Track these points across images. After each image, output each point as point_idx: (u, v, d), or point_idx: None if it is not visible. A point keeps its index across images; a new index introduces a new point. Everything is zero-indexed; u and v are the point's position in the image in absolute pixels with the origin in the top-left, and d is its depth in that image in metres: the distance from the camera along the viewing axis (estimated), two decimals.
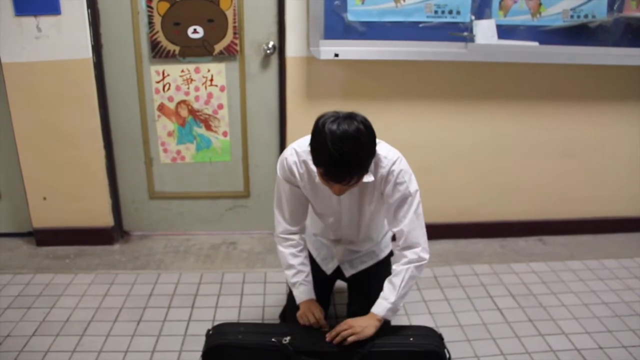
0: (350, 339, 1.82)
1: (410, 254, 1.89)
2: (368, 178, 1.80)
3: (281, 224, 2.06)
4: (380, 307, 1.88)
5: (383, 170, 1.86)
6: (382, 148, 1.87)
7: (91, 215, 3.14)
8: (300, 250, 2.06)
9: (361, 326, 1.85)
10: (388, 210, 1.93)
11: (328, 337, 1.85)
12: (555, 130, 3.18)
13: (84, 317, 2.51)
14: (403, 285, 1.87)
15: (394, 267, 1.92)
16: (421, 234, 1.90)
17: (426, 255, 1.90)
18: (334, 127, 1.63)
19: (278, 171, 1.98)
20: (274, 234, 2.11)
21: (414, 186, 1.89)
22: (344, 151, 1.61)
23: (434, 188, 3.19)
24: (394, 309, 1.89)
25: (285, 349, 1.81)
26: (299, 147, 1.92)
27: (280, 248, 2.08)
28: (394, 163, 1.85)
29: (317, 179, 1.80)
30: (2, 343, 2.32)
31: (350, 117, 1.67)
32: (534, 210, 3.37)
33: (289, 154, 1.93)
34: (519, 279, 2.88)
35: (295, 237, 2.06)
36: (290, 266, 2.05)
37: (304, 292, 2.03)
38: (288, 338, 1.83)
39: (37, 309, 2.57)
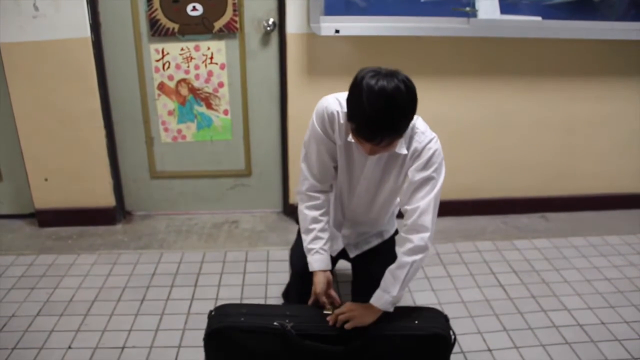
0: (348, 325, 1.78)
1: (417, 239, 1.75)
2: (401, 149, 1.73)
3: (308, 180, 1.92)
4: (381, 300, 1.78)
5: (418, 145, 1.76)
6: (421, 123, 1.79)
7: (93, 195, 3.14)
8: (323, 214, 1.94)
9: (360, 314, 1.79)
10: (407, 188, 1.80)
11: (330, 320, 1.82)
12: (558, 106, 3.16)
13: (87, 296, 2.52)
14: (407, 279, 1.77)
15: (399, 254, 1.79)
16: (433, 221, 1.77)
17: (430, 244, 1.78)
18: (372, 82, 1.53)
19: (315, 120, 1.82)
20: (297, 190, 1.97)
21: (442, 173, 1.79)
22: (378, 108, 1.53)
23: None
24: (394, 302, 1.79)
25: (289, 333, 1.81)
26: (342, 98, 1.75)
27: (302, 208, 1.95)
28: (430, 141, 1.77)
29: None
30: (7, 323, 2.33)
31: (392, 74, 1.56)
32: (536, 186, 3.36)
33: (332, 102, 1.79)
34: (522, 256, 2.89)
35: (322, 196, 1.94)
36: (308, 230, 1.94)
37: (318, 261, 1.92)
38: (291, 324, 1.81)
39: (41, 289, 2.58)
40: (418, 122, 1.77)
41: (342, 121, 1.77)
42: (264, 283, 2.63)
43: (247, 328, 1.83)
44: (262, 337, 1.82)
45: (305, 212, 1.94)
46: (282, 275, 2.65)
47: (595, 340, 2.24)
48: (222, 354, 1.88)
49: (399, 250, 1.80)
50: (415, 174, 1.77)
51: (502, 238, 3.08)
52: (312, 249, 1.94)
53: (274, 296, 2.51)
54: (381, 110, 1.53)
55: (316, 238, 1.93)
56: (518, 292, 2.56)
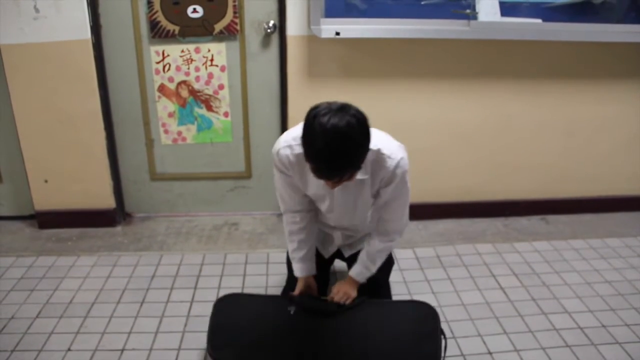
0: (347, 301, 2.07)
1: (393, 234, 2.04)
2: (362, 175, 1.78)
3: (283, 204, 2.07)
4: (362, 276, 2.08)
5: (385, 173, 1.82)
6: (385, 145, 1.81)
7: (93, 197, 3.14)
8: (303, 228, 2.06)
9: (351, 293, 2.08)
10: (378, 205, 1.98)
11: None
12: (558, 108, 3.16)
13: (87, 298, 2.52)
14: (382, 258, 2.07)
15: (375, 237, 2.04)
16: (404, 224, 2.04)
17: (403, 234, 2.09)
18: (324, 120, 1.55)
19: (274, 162, 1.95)
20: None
21: (408, 183, 1.92)
22: (333, 148, 1.54)
23: (436, 167, 3.18)
24: (369, 276, 2.09)
25: (290, 296, 2.09)
26: (294, 139, 1.82)
27: (284, 223, 2.11)
28: (397, 165, 1.81)
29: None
30: (6, 325, 2.33)
31: (343, 109, 1.58)
32: (536, 189, 3.35)
33: (282, 145, 1.87)
34: (522, 258, 2.88)
35: (299, 215, 2.05)
36: (291, 240, 2.09)
37: (299, 269, 2.10)
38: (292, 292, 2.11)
39: (41, 291, 2.58)
40: (381, 142, 1.79)
41: (293, 161, 1.86)
42: (263, 285, 2.63)
43: (255, 294, 2.27)
44: (266, 300, 2.21)
45: (287, 227, 2.10)
46: (281, 278, 2.64)
47: (596, 343, 2.23)
48: (230, 313, 2.07)
49: (375, 234, 2.05)
50: (386, 194, 1.90)
51: (502, 240, 3.07)
52: (294, 258, 2.10)
53: None
54: (336, 150, 1.55)
55: (298, 248, 2.09)
56: (518, 295, 2.56)
